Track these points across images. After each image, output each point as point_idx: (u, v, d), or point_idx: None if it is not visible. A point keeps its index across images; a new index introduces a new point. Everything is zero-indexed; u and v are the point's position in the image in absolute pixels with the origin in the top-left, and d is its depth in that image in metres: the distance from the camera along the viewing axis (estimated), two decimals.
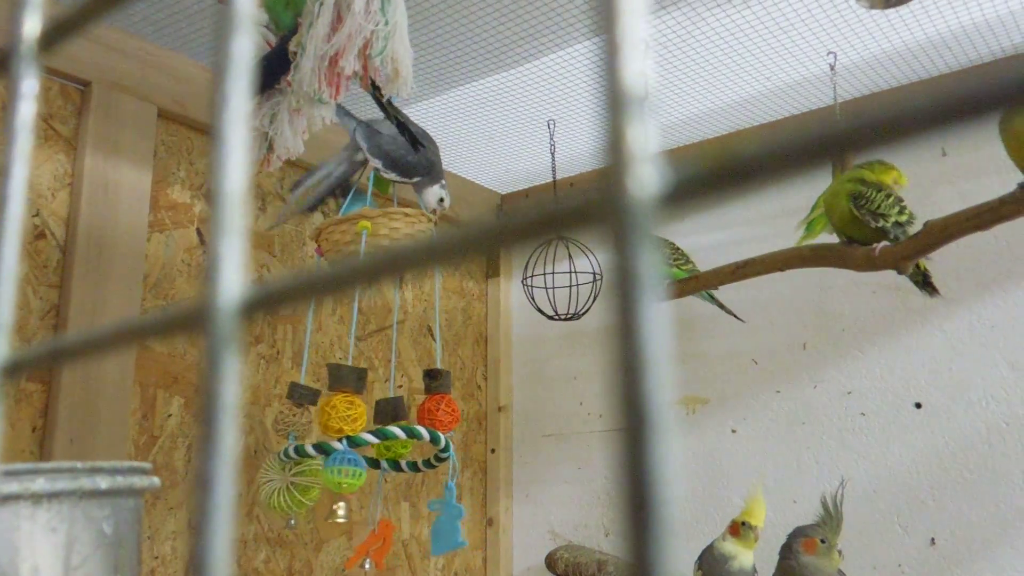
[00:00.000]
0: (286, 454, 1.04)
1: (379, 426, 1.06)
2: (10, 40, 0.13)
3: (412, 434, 1.03)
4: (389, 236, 1.04)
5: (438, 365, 1.21)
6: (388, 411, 1.09)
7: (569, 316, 1.45)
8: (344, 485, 0.99)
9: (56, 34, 0.13)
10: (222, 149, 0.10)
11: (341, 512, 1.06)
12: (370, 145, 1.06)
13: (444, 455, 1.09)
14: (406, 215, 1.06)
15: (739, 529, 1.12)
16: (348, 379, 1.03)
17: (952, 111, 0.07)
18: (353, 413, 1.01)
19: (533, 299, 1.47)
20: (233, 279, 0.10)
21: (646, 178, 0.08)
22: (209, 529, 0.09)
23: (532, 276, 1.48)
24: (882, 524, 1.33)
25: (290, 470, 1.05)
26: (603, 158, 0.08)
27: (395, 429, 1.04)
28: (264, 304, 0.10)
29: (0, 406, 0.13)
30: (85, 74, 1.14)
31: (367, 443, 1.02)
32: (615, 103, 0.08)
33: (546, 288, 1.45)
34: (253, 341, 1.34)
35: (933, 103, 0.07)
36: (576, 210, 0.08)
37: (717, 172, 0.08)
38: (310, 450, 1.01)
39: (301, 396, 1.08)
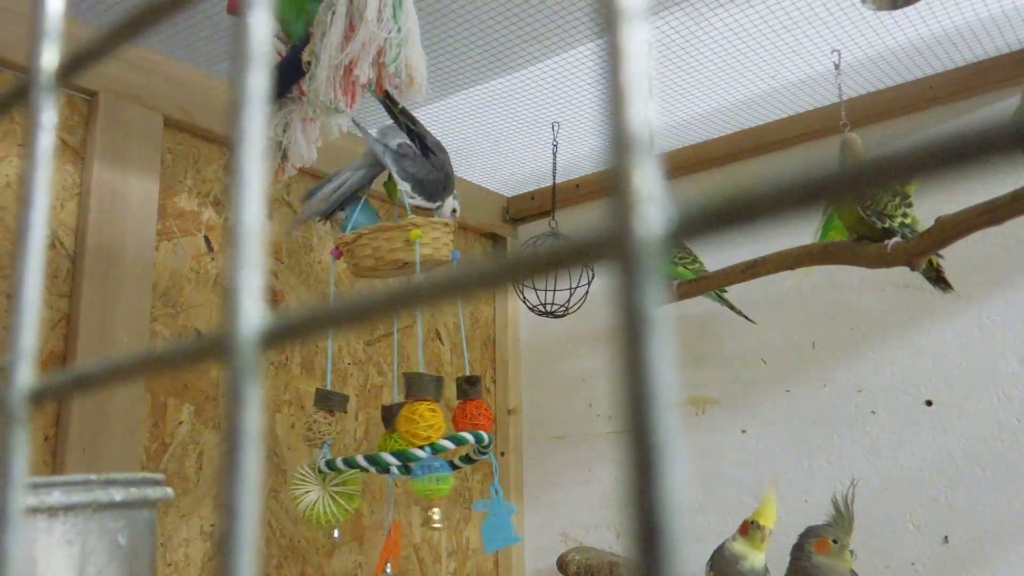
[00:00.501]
0: (348, 462, 1.04)
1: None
2: (29, 71, 0.13)
3: (479, 439, 1.08)
4: (432, 245, 1.06)
5: (467, 371, 1.22)
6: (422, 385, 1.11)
7: (555, 309, 1.45)
8: (434, 492, 1.02)
9: (73, 65, 0.13)
10: (240, 183, 0.10)
11: (436, 518, 1.08)
12: (398, 169, 1.09)
13: (482, 456, 1.12)
14: (445, 225, 1.10)
15: (748, 528, 1.12)
16: (428, 387, 1.06)
17: (956, 156, 0.07)
18: (437, 422, 1.04)
19: (523, 294, 1.47)
20: (253, 310, 0.10)
21: (651, 218, 0.08)
22: (234, 556, 0.09)
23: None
24: (894, 523, 1.33)
25: (330, 480, 1.05)
26: (610, 198, 0.08)
27: (466, 434, 1.06)
28: (283, 335, 0.11)
29: (25, 431, 0.13)
30: (92, 84, 1.15)
31: (445, 448, 1.04)
32: (620, 145, 0.08)
33: (536, 288, 1.45)
34: None
35: (932, 148, 0.07)
36: (585, 248, 0.08)
37: (720, 212, 0.08)
38: (390, 459, 1.02)
39: (334, 403, 1.08)
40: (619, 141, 0.08)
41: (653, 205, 0.08)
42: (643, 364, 0.08)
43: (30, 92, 0.13)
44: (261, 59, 0.10)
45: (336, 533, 1.08)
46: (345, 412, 1.11)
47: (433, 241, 1.08)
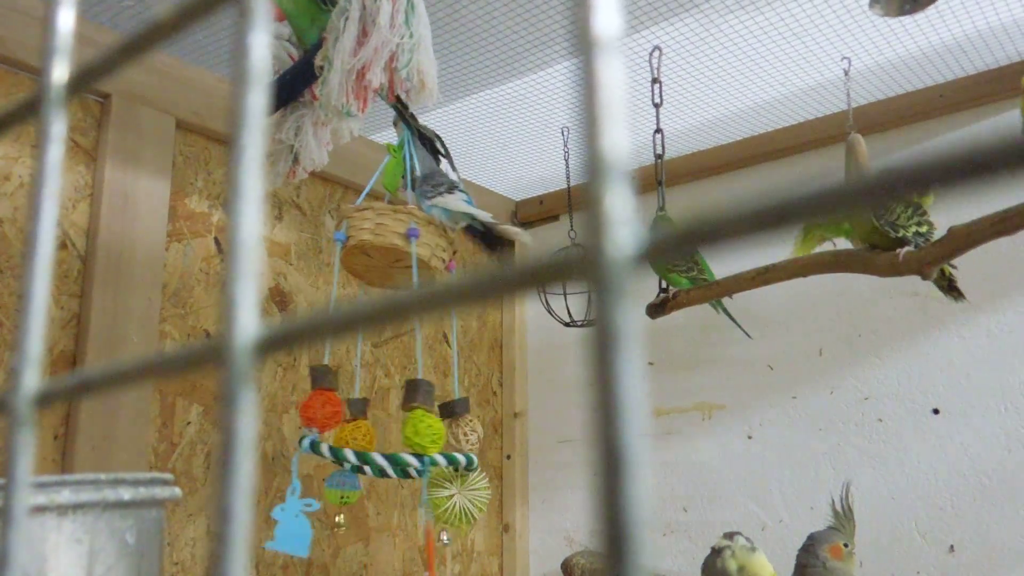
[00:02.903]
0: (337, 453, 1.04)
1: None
2: (39, 86, 0.14)
3: (470, 461, 1.09)
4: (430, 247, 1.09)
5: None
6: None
7: (584, 322, 1.45)
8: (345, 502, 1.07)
9: (83, 80, 0.14)
10: (238, 200, 0.10)
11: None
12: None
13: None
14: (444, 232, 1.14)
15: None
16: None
17: (909, 183, 0.07)
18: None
19: (548, 304, 1.47)
20: (249, 321, 0.11)
21: (622, 240, 0.08)
22: (228, 557, 0.10)
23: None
24: (900, 531, 1.32)
25: (461, 483, 1.06)
26: (584, 220, 0.09)
27: (459, 456, 1.07)
28: (277, 343, 0.11)
29: (30, 434, 0.13)
30: (105, 87, 1.16)
31: (438, 464, 1.07)
32: (595, 171, 0.08)
33: (564, 294, 1.46)
34: None
35: (900, 174, 0.07)
36: (562, 267, 0.09)
37: (686, 235, 0.08)
38: (380, 461, 1.04)
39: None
40: (593, 166, 0.08)
41: (624, 227, 0.08)
42: (613, 378, 0.08)
43: (41, 105, 0.13)
44: (261, 78, 0.11)
45: (447, 538, 1.09)
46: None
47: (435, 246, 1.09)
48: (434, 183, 1.08)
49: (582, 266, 0.08)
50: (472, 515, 1.05)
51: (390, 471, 1.03)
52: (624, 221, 0.08)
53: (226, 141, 1.33)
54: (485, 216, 1.07)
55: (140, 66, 1.21)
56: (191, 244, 1.27)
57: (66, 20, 0.14)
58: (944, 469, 1.30)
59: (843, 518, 1.09)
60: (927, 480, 1.32)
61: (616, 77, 0.08)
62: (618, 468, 0.08)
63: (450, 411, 1.11)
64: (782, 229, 0.08)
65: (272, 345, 0.11)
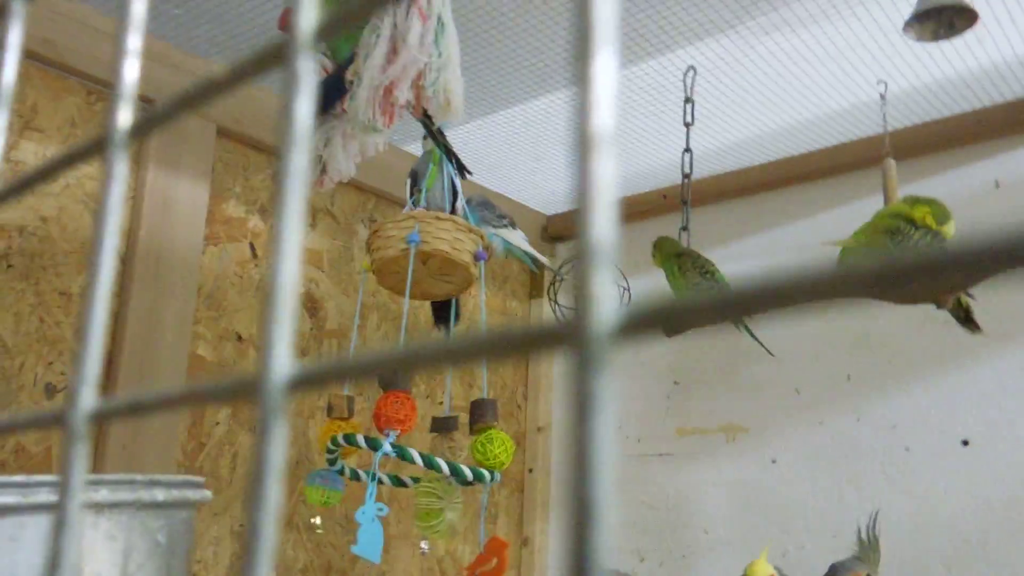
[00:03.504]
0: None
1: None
2: (105, 130, 0.15)
3: (478, 476, 1.10)
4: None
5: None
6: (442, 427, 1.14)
7: None
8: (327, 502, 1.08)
9: (144, 128, 0.15)
10: (281, 252, 0.12)
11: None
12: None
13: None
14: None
15: None
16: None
17: (900, 279, 0.08)
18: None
19: (559, 310, 1.48)
20: (283, 359, 0.12)
21: (604, 316, 0.09)
22: (256, 567, 0.11)
23: (560, 280, 1.48)
24: (925, 564, 1.31)
25: (453, 495, 1.07)
26: (573, 295, 0.10)
27: (484, 471, 1.09)
28: (309, 382, 0.12)
29: (86, 447, 0.15)
30: (149, 92, 1.20)
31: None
32: (585, 253, 0.09)
33: (555, 304, 1.46)
34: (299, 355, 1.38)
35: (880, 271, 0.08)
36: (546, 337, 0.10)
37: (664, 312, 0.09)
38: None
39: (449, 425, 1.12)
40: (584, 249, 0.09)
41: (607, 303, 0.09)
42: (588, 437, 0.09)
43: (107, 149, 0.15)
44: (303, 141, 0.12)
45: (426, 547, 1.10)
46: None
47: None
48: (499, 214, 1.18)
49: (567, 338, 0.09)
50: (455, 527, 1.06)
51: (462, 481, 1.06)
52: (607, 298, 0.09)
53: (264, 149, 1.36)
54: (544, 259, 1.18)
55: (184, 72, 1.24)
56: (227, 248, 1.30)
57: (131, 70, 0.15)
58: (972, 502, 1.28)
59: (868, 548, 1.08)
60: (954, 512, 1.30)
61: (610, 171, 0.09)
62: (587, 517, 0.09)
63: (444, 426, 1.13)
64: (745, 317, 0.09)
65: (303, 383, 0.12)
